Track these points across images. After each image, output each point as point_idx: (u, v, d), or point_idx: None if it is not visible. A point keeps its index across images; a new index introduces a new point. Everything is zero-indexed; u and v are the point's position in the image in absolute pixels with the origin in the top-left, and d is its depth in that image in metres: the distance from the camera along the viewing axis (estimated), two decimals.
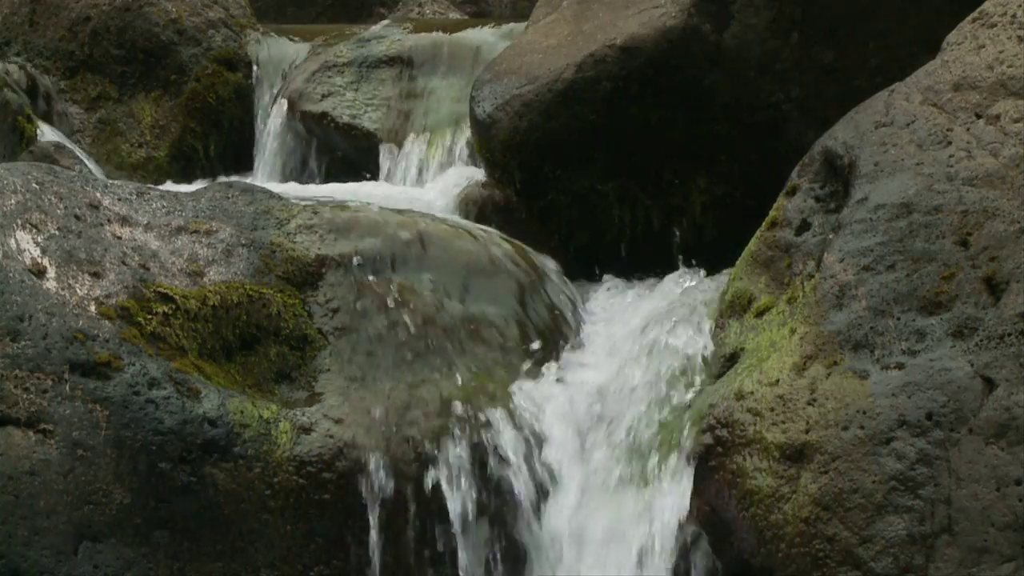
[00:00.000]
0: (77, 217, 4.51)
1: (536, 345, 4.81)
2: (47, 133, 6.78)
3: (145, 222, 4.61)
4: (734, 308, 4.57)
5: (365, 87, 6.88)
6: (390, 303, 4.69)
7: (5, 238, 4.36)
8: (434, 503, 4.39)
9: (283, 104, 6.96)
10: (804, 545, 4.02)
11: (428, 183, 6.32)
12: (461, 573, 4.39)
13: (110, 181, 4.84)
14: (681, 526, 4.24)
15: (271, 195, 4.89)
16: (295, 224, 4.78)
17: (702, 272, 5.18)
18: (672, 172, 5.56)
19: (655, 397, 4.51)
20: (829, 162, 4.54)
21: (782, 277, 4.50)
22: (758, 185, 5.32)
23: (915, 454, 3.97)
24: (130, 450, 4.21)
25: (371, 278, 4.72)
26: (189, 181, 6.72)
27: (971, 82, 4.40)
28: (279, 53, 7.34)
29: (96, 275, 4.40)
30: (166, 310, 4.41)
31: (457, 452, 4.42)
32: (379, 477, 4.37)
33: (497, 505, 4.43)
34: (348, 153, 6.79)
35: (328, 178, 6.76)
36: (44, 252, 4.38)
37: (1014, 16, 4.44)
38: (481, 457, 4.45)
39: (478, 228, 5.22)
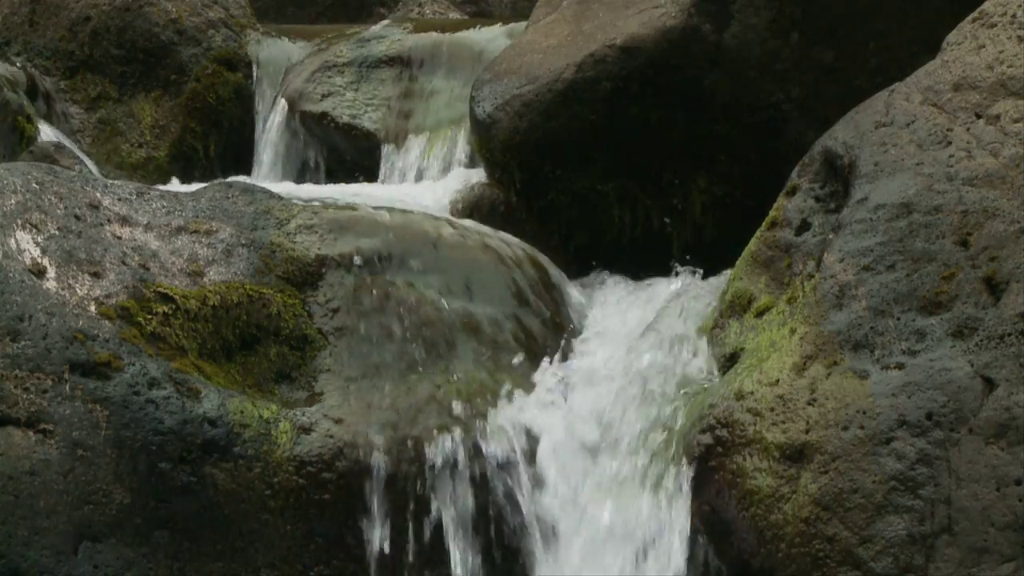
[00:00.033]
0: (77, 217, 4.51)
1: (536, 345, 4.81)
2: (47, 133, 6.78)
3: (145, 222, 4.61)
4: (734, 308, 4.57)
5: (365, 87, 6.88)
6: (390, 303, 4.69)
7: (5, 238, 4.36)
8: (434, 503, 4.39)
9: (283, 104, 6.96)
10: (804, 545, 4.02)
11: (428, 183, 6.32)
12: (461, 573, 4.39)
13: (110, 181, 4.84)
14: (679, 526, 4.25)
15: (271, 195, 4.89)
16: (295, 224, 4.78)
17: (701, 272, 5.19)
18: (672, 172, 5.56)
19: (655, 397, 4.50)
20: (829, 162, 4.54)
21: (782, 277, 4.50)
22: (758, 185, 5.32)
23: (915, 454, 3.97)
24: (130, 450, 4.21)
25: (371, 278, 4.72)
26: (191, 181, 6.73)
27: (971, 82, 4.40)
28: (279, 53, 7.34)
29: (96, 275, 4.40)
30: (166, 310, 4.41)
31: (457, 452, 4.42)
32: (379, 477, 4.37)
33: (497, 504, 4.42)
34: (348, 153, 6.79)
35: (328, 178, 6.76)
36: (44, 252, 4.38)
37: (1014, 16, 4.44)
38: (481, 457, 4.44)
39: (478, 228, 5.22)
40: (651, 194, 5.58)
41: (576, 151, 5.55)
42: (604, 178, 5.57)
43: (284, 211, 4.81)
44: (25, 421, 4.15)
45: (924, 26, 5.30)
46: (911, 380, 4.03)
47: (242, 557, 4.28)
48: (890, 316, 4.15)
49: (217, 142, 7.18)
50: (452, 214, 5.67)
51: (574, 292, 5.21)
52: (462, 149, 6.36)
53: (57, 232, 4.44)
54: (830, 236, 4.37)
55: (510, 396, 4.59)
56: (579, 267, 5.51)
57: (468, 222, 5.39)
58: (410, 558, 4.37)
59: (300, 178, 6.82)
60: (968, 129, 4.33)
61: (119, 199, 4.64)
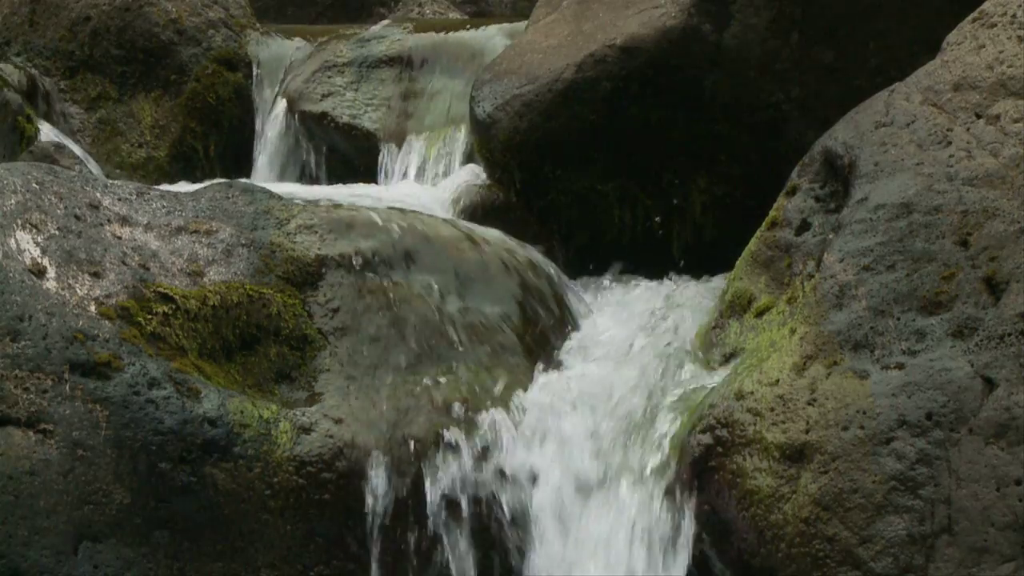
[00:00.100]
0: (77, 217, 4.51)
1: (536, 345, 4.81)
2: (47, 133, 6.78)
3: (145, 222, 4.61)
4: (734, 308, 4.57)
5: (365, 87, 6.88)
6: (390, 303, 4.69)
7: (5, 238, 4.36)
8: (434, 503, 4.39)
9: (283, 104, 6.96)
10: (804, 545, 4.02)
11: (428, 183, 6.32)
12: (461, 573, 4.39)
13: (110, 181, 4.84)
14: (678, 526, 4.25)
15: (271, 195, 4.89)
16: (295, 224, 4.78)
17: (701, 272, 5.19)
18: (672, 172, 5.56)
19: (654, 396, 4.50)
20: (829, 162, 4.54)
21: (782, 277, 4.50)
22: (758, 185, 5.32)
23: (915, 454, 3.97)
24: (130, 450, 4.21)
25: (371, 278, 4.72)
26: (193, 181, 6.73)
27: (971, 82, 4.40)
28: (279, 53, 7.34)
29: (96, 275, 4.40)
30: (166, 310, 4.41)
31: (457, 452, 4.42)
32: (379, 477, 4.37)
33: (497, 504, 4.42)
34: (348, 153, 6.79)
35: (328, 178, 6.76)
36: (44, 252, 4.38)
37: (1014, 16, 4.44)
38: (481, 457, 4.45)
39: (478, 228, 5.22)
40: (651, 194, 5.58)
41: (576, 151, 5.55)
42: (604, 178, 5.57)
43: (284, 211, 4.81)
44: (25, 421, 4.15)
45: (924, 26, 5.30)
46: (911, 380, 4.03)
47: (242, 557, 4.28)
48: (890, 316, 4.15)
49: (217, 142, 7.18)
50: (452, 214, 5.67)
51: (574, 292, 5.21)
52: (462, 149, 6.36)
53: (57, 232, 4.44)
54: (830, 236, 4.38)
55: (510, 396, 4.59)
56: (579, 267, 5.51)
57: (468, 222, 5.39)
58: (410, 558, 4.37)
59: (300, 178, 6.82)
60: (968, 129, 4.33)
61: (119, 199, 4.64)
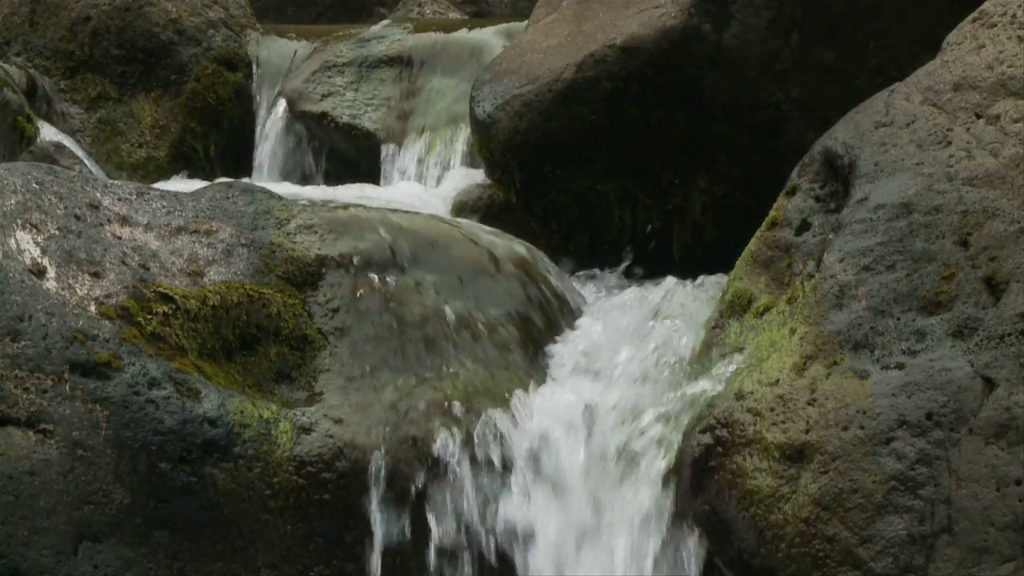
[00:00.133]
0: (77, 217, 4.51)
1: (535, 345, 4.81)
2: (47, 133, 6.78)
3: (145, 222, 4.61)
4: (734, 308, 4.57)
5: (365, 87, 6.88)
6: (390, 303, 4.69)
7: (5, 238, 4.36)
8: (434, 503, 4.39)
9: (283, 104, 6.96)
10: (804, 545, 4.02)
11: (428, 183, 6.32)
12: (461, 573, 4.39)
13: (110, 181, 4.84)
14: (677, 527, 4.25)
15: (271, 195, 4.89)
16: (295, 224, 4.78)
17: (700, 272, 5.19)
18: (672, 172, 5.56)
19: (654, 396, 4.51)
20: (829, 162, 4.54)
21: (782, 277, 4.50)
22: (758, 185, 5.32)
23: (915, 454, 3.97)
24: (130, 450, 4.21)
25: (371, 278, 4.72)
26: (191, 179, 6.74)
27: (971, 82, 4.40)
28: (279, 53, 7.34)
29: (96, 275, 4.40)
30: (166, 310, 4.41)
31: (457, 452, 4.42)
32: (379, 477, 4.37)
33: (497, 505, 4.42)
34: (348, 153, 6.79)
35: (328, 178, 6.76)
36: (44, 252, 4.38)
37: (1014, 16, 4.44)
38: (481, 457, 4.44)
39: (478, 228, 5.22)
40: (651, 194, 5.58)
41: (576, 151, 5.55)
42: (604, 178, 5.57)
43: (284, 211, 4.82)
44: (25, 421, 4.15)
45: (924, 26, 5.30)
46: (911, 380, 4.03)
47: (242, 557, 4.28)
48: (890, 316, 4.15)
49: (217, 142, 7.18)
50: (452, 214, 5.68)
51: (574, 292, 5.21)
52: (462, 149, 6.36)
53: (57, 232, 4.44)
54: (830, 236, 4.38)
55: (510, 396, 4.59)
56: (579, 267, 5.51)
57: (468, 222, 5.39)
58: (410, 558, 4.37)
59: (300, 178, 6.83)
60: (968, 129, 4.33)
61: (119, 199, 4.64)
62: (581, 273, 5.51)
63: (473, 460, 4.43)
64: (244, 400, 4.38)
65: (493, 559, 4.41)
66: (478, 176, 5.89)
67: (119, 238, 4.52)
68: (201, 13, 7.34)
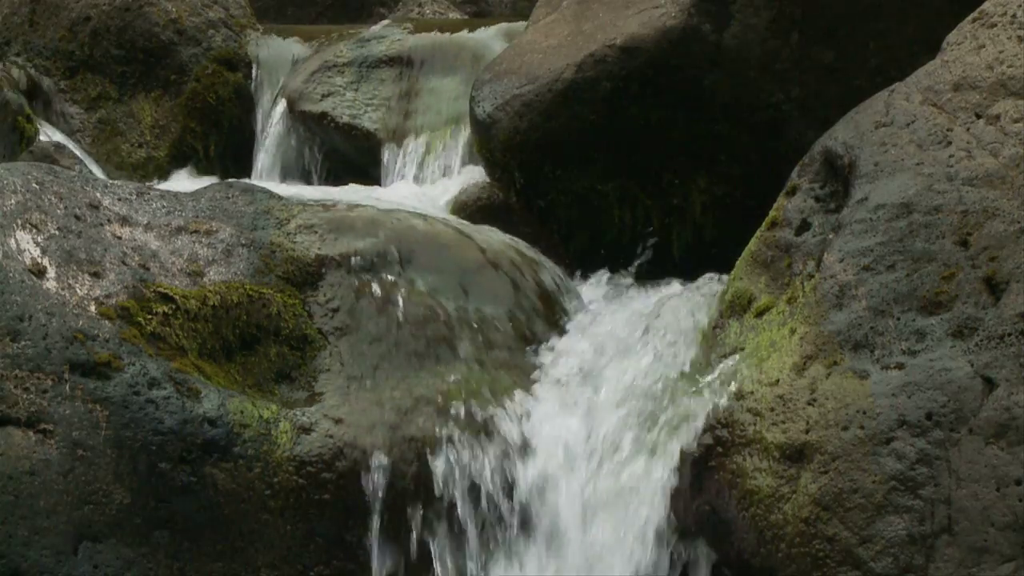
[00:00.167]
0: (77, 217, 4.51)
1: (536, 345, 4.81)
2: (47, 133, 6.78)
3: (145, 222, 4.61)
4: (734, 308, 4.57)
5: (365, 87, 6.88)
6: (390, 303, 4.69)
7: (5, 238, 4.36)
8: (434, 503, 4.39)
9: (283, 104, 6.96)
10: (804, 545, 4.02)
11: (428, 183, 6.32)
12: (461, 573, 4.39)
13: (110, 181, 4.84)
14: (675, 526, 4.25)
15: (271, 195, 4.89)
16: (295, 224, 4.78)
17: (699, 272, 5.18)
18: (672, 172, 5.56)
19: (653, 396, 4.50)
20: (829, 162, 4.54)
21: (782, 277, 4.50)
22: (758, 185, 5.32)
23: (915, 454, 3.97)
24: (130, 450, 4.21)
25: (371, 278, 4.72)
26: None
27: (971, 82, 4.40)
28: (279, 53, 7.34)
29: (96, 275, 4.40)
30: (166, 310, 4.41)
31: (457, 452, 4.42)
32: (379, 477, 4.37)
33: (497, 504, 4.42)
34: (348, 153, 6.79)
35: (328, 178, 6.77)
36: (44, 252, 4.38)
37: (1014, 16, 4.44)
38: (481, 457, 4.44)
39: (478, 228, 5.22)
40: (651, 194, 5.58)
41: (576, 151, 5.55)
42: (604, 178, 5.57)
43: (284, 211, 4.82)
44: (25, 421, 4.15)
45: (924, 26, 5.30)
46: (911, 380, 4.03)
47: (242, 557, 4.28)
48: (890, 316, 4.15)
49: (217, 142, 7.18)
50: (452, 214, 5.68)
51: (573, 292, 5.21)
52: (462, 149, 6.36)
53: (57, 232, 4.44)
54: (830, 236, 4.37)
55: (510, 396, 4.59)
56: (579, 267, 5.51)
57: (467, 222, 5.39)
58: (410, 558, 4.37)
59: (300, 178, 6.83)
60: (968, 129, 4.33)
61: (119, 199, 4.64)
62: (581, 273, 5.51)
63: (472, 460, 4.43)
64: (244, 400, 4.38)
65: (496, 558, 4.41)
66: (478, 176, 5.88)
67: (119, 238, 4.52)
68: (201, 13, 7.34)
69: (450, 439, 4.44)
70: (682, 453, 4.28)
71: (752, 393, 4.23)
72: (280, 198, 4.89)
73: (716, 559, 4.24)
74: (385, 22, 7.41)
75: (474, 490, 4.41)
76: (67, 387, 4.20)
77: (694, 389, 4.45)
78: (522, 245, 5.20)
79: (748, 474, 4.15)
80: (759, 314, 4.47)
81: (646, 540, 4.27)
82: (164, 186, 6.22)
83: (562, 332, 4.93)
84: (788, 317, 4.36)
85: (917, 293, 4.14)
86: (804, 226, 4.52)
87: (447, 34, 7.06)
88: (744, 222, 4.97)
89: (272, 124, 6.97)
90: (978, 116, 4.34)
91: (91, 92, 7.24)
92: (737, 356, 4.43)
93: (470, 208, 5.73)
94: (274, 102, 7.07)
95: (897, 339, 4.11)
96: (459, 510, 4.39)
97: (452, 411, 4.49)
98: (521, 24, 6.63)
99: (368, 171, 6.61)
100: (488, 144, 5.69)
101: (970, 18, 4.55)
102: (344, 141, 6.77)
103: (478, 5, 9.46)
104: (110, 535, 4.16)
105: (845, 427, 4.06)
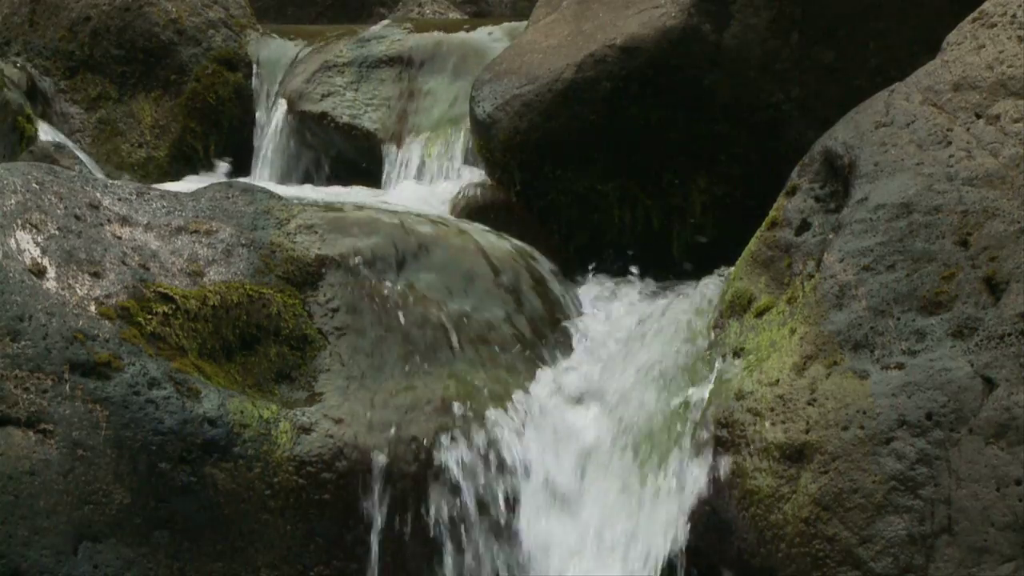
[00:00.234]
0: (77, 217, 4.51)
1: (536, 345, 4.81)
2: (47, 133, 6.78)
3: (145, 222, 4.61)
4: (734, 308, 4.57)
5: (365, 87, 6.88)
6: (390, 303, 4.69)
7: (5, 238, 4.36)
8: (434, 503, 4.39)
9: (282, 104, 6.96)
10: (804, 545, 4.02)
11: (428, 183, 6.32)
12: (462, 573, 4.39)
13: (110, 181, 4.84)
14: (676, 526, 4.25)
15: (271, 195, 4.89)
16: (295, 224, 4.78)
17: (699, 273, 5.18)
18: (672, 172, 5.56)
19: (652, 396, 4.50)
20: (829, 162, 4.54)
21: (782, 277, 4.50)
22: (758, 185, 5.31)
23: (915, 454, 3.97)
24: (130, 450, 4.21)
25: (371, 278, 4.72)
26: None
27: (971, 82, 4.40)
28: (279, 53, 7.34)
29: (96, 275, 4.40)
30: (166, 310, 4.41)
31: (457, 452, 4.42)
32: (379, 477, 4.37)
33: (497, 505, 4.42)
34: (348, 153, 6.79)
35: (328, 178, 6.76)
36: (44, 252, 4.38)
37: (1014, 16, 4.44)
38: (481, 457, 4.44)
39: (478, 228, 5.22)
40: (651, 194, 5.58)
41: (576, 151, 5.54)
42: (604, 178, 5.56)
43: (284, 211, 4.82)
44: (25, 421, 4.15)
45: (924, 26, 5.30)
46: (911, 380, 4.03)
47: (242, 557, 4.28)
48: (890, 316, 4.15)
49: (217, 142, 7.18)
50: (452, 214, 5.67)
51: (573, 292, 5.21)
52: (462, 149, 6.36)
53: (57, 232, 4.44)
54: (830, 236, 4.38)
55: (510, 396, 4.59)
56: (579, 267, 5.51)
57: (467, 222, 5.39)
58: (410, 558, 4.37)
59: (300, 178, 6.82)
60: (968, 129, 4.33)
61: (119, 199, 4.64)
62: (580, 273, 5.50)
63: (472, 460, 4.43)
64: (244, 400, 4.38)
65: (496, 558, 4.41)
66: (478, 176, 5.88)
67: (119, 238, 4.52)
68: (201, 13, 7.34)
69: (450, 439, 4.44)
70: (682, 453, 4.28)
71: (752, 393, 4.23)
72: (280, 198, 4.89)
73: (716, 558, 4.24)
74: (385, 22, 7.41)
75: (474, 490, 4.41)
76: (67, 387, 4.20)
77: (694, 389, 4.45)
78: (522, 245, 5.20)
79: (748, 474, 4.15)
80: (759, 314, 4.47)
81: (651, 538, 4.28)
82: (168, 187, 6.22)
83: (562, 333, 4.93)
84: (788, 317, 4.36)
85: (917, 293, 4.14)
86: (804, 226, 4.52)
87: (447, 34, 7.06)
88: (744, 222, 4.97)
89: (272, 124, 6.97)
90: (978, 116, 4.34)
91: (91, 92, 7.24)
92: (737, 356, 4.43)
93: (470, 208, 5.73)
94: (274, 102, 7.06)
95: (897, 339, 4.11)
96: (459, 510, 4.39)
97: (452, 411, 4.49)
98: (521, 24, 6.63)
99: (368, 171, 6.61)
100: (488, 144, 5.68)
101: (970, 18, 4.55)
102: (344, 141, 6.77)
103: (478, 5, 9.46)
104: (110, 535, 4.16)
105: (845, 427, 4.06)
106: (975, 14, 4.55)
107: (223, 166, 7.03)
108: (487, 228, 5.26)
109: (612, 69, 5.47)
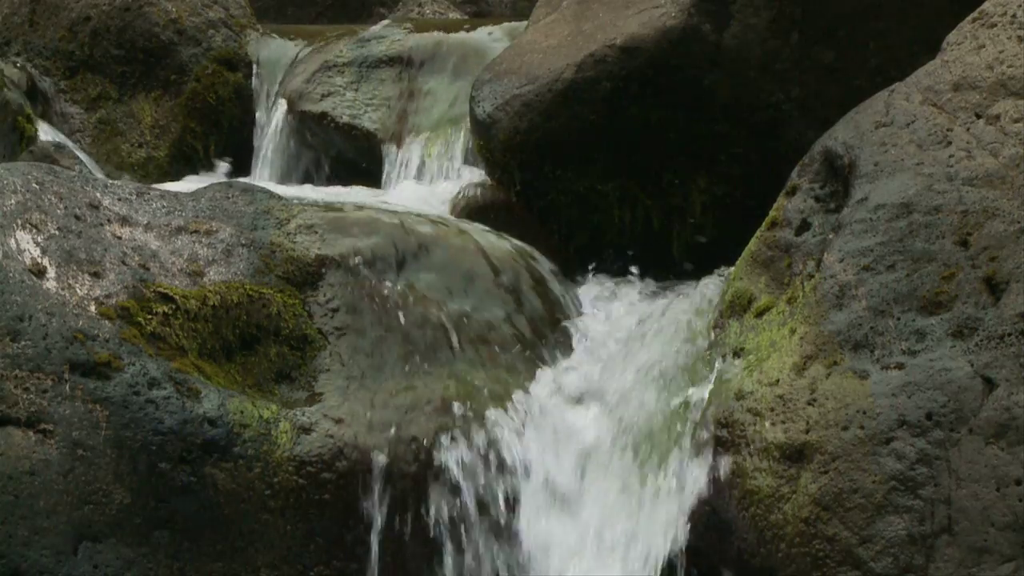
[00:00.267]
0: (77, 217, 4.51)
1: (536, 345, 4.81)
2: (47, 133, 6.78)
3: (145, 222, 4.61)
4: (734, 308, 4.57)
5: (365, 87, 6.88)
6: (390, 303, 4.69)
7: (5, 238, 4.36)
8: (434, 503, 4.39)
9: (282, 104, 6.96)
10: (804, 545, 4.02)
11: (428, 183, 6.32)
12: (462, 573, 4.39)
13: (110, 181, 4.84)
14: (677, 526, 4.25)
15: (271, 195, 4.89)
16: (295, 224, 4.78)
17: (699, 273, 5.18)
18: (672, 172, 5.56)
19: (652, 396, 4.50)
20: (829, 162, 4.54)
21: (782, 277, 4.50)
22: (758, 185, 5.31)
23: (915, 454, 3.97)
24: (130, 450, 4.21)
25: (371, 278, 4.72)
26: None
27: (971, 82, 4.40)
28: (279, 53, 7.34)
29: (96, 275, 4.40)
30: (166, 310, 4.41)
31: (457, 452, 4.42)
32: (379, 477, 4.37)
33: (497, 505, 4.42)
34: (348, 153, 6.79)
35: (328, 178, 6.76)
36: (44, 252, 4.38)
37: (1014, 16, 4.44)
38: (481, 457, 4.44)
39: (478, 228, 5.22)
40: (651, 194, 5.58)
41: (576, 151, 5.54)
42: (604, 178, 5.56)
43: (284, 211, 4.82)
44: (25, 421, 4.15)
45: (924, 26, 5.30)
46: (911, 380, 4.04)
47: (242, 557, 4.28)
48: (890, 316, 4.15)
49: (217, 142, 7.18)
50: (452, 214, 5.67)
51: (573, 292, 5.21)
52: (462, 149, 6.36)
53: (57, 232, 4.45)
54: (830, 236, 4.38)
55: (510, 396, 4.59)
56: (579, 267, 5.50)
57: (468, 222, 5.39)
58: (410, 558, 4.37)
59: (300, 178, 6.82)
60: (968, 129, 4.33)
61: (119, 199, 4.64)
62: (580, 273, 5.50)
63: (472, 460, 4.43)
64: (244, 400, 4.38)
65: (496, 558, 4.41)
66: (478, 176, 5.88)
67: (119, 238, 4.52)
68: (201, 13, 7.34)
69: (450, 439, 4.44)
70: (682, 453, 4.28)
71: (752, 393, 4.23)
72: (280, 198, 4.89)
73: (716, 559, 4.24)
74: (385, 22, 7.41)
75: (474, 490, 4.41)
76: (67, 387, 4.20)
77: (694, 389, 4.45)
78: (522, 245, 5.20)
79: (748, 474, 4.15)
80: (759, 314, 4.47)
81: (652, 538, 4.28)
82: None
83: (562, 333, 4.93)
84: (788, 317, 4.36)
85: (917, 293, 4.14)
86: (804, 226, 4.52)
87: (447, 34, 7.06)
88: (744, 222, 4.97)
89: (272, 124, 6.97)
90: (978, 116, 4.34)
91: (91, 92, 7.24)
92: (737, 356, 4.43)
93: (470, 208, 5.73)
94: (274, 102, 7.07)
95: (897, 339, 4.11)
96: (459, 510, 4.39)
97: (452, 411, 4.49)
98: (521, 24, 6.63)
99: (368, 171, 6.61)
100: (488, 144, 5.68)
101: (970, 18, 4.55)
102: (344, 141, 6.77)
103: (478, 5, 9.46)
104: (110, 535, 4.16)
105: (845, 427, 4.06)
106: (975, 14, 4.55)
107: (223, 166, 7.03)
108: (487, 228, 5.26)
109: (612, 69, 5.47)
